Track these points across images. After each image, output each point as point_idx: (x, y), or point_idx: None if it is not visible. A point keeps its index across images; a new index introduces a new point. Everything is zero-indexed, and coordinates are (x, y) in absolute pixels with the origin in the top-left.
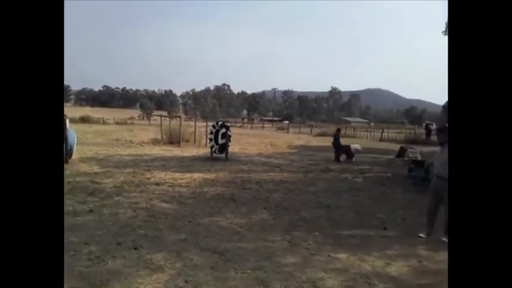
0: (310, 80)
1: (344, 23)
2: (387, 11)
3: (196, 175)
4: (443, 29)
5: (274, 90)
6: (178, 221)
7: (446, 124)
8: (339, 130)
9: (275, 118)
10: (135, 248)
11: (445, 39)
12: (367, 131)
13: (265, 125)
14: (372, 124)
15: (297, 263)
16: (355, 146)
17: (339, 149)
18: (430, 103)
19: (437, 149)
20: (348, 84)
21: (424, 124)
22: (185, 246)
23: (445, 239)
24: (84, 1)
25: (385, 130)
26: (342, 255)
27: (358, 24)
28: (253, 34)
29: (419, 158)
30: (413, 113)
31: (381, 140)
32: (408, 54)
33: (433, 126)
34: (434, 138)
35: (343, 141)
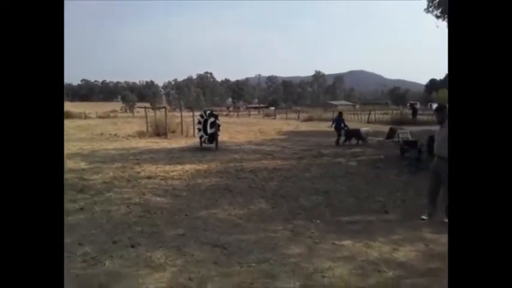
0: (294, 64)
1: (326, 7)
2: None
3: (187, 167)
4: (425, 7)
5: (258, 77)
6: (174, 215)
7: (446, 105)
8: (341, 114)
9: (261, 105)
10: (133, 246)
11: (426, 19)
12: (354, 114)
13: (251, 113)
14: (357, 106)
15: (302, 253)
16: (364, 129)
17: (347, 133)
18: (412, 82)
19: (425, 128)
20: (331, 67)
21: (408, 104)
22: (185, 242)
23: (447, 220)
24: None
25: (372, 112)
26: (347, 243)
27: (339, 8)
28: (233, 21)
29: (410, 138)
30: (396, 93)
31: (368, 121)
32: (390, 35)
33: (417, 106)
34: (420, 117)
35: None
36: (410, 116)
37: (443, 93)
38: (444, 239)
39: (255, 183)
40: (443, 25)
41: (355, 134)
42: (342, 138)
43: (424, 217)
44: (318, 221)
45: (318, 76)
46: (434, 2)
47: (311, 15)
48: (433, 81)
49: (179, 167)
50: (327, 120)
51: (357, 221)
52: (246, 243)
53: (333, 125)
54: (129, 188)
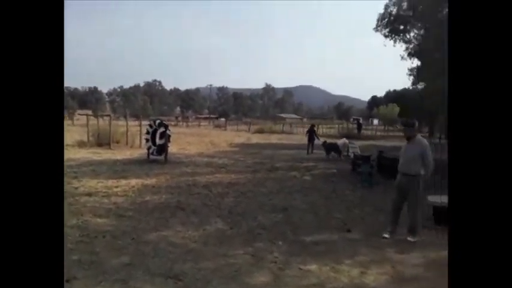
0: (245, 77)
1: (276, 22)
2: (318, 11)
3: (133, 181)
4: (374, 26)
5: (210, 87)
6: (118, 239)
7: (414, 120)
8: (313, 126)
9: (211, 115)
10: (67, 281)
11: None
12: (302, 127)
13: (201, 123)
14: (305, 120)
15: (267, 282)
16: (341, 141)
17: (327, 147)
18: (355, 99)
19: (371, 143)
20: (281, 81)
21: (351, 119)
22: (131, 273)
23: (411, 239)
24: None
25: (320, 126)
26: (313, 267)
27: (289, 23)
28: (186, 30)
29: (359, 152)
30: (341, 108)
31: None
32: (338, 53)
33: (361, 121)
34: (364, 132)
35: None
36: (355, 131)
37: (384, 109)
38: (410, 259)
39: (209, 200)
40: (390, 44)
41: (333, 147)
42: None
43: (386, 235)
44: (280, 243)
45: (268, 89)
46: (383, 21)
47: (265, 27)
48: (374, 98)
49: (124, 181)
50: (277, 132)
51: (319, 241)
52: (203, 273)
53: (307, 135)
54: (64, 207)
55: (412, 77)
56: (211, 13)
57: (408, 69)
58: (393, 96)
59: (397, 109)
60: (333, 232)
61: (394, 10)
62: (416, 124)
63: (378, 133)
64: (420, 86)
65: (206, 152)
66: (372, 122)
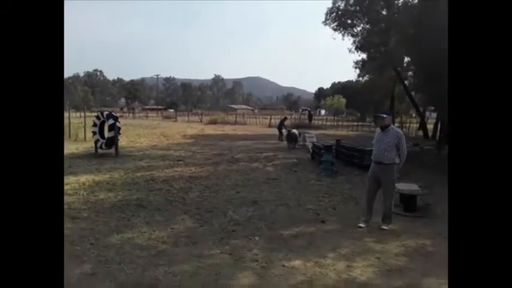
0: (193, 67)
1: (223, 13)
2: (266, 3)
3: (83, 178)
4: (323, 20)
5: (157, 77)
6: (75, 244)
7: (384, 113)
8: (285, 118)
9: (159, 107)
10: None
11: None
12: (254, 118)
13: (149, 114)
14: (256, 111)
15: (254, 285)
16: (293, 131)
17: (289, 136)
18: (303, 90)
19: (322, 132)
20: (230, 72)
21: (300, 110)
22: (95, 284)
23: (385, 227)
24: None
25: (272, 116)
26: (297, 263)
27: (237, 15)
28: (129, 19)
29: (316, 141)
30: (290, 99)
31: (269, 126)
32: (285, 45)
33: (312, 112)
34: (315, 122)
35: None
36: (306, 121)
37: (330, 100)
38: (391, 248)
39: (172, 196)
40: (338, 37)
41: (295, 137)
42: (287, 142)
43: (361, 225)
44: (257, 238)
45: (218, 80)
46: (332, 15)
47: (211, 17)
48: (321, 90)
49: (72, 178)
50: (231, 123)
51: (297, 234)
52: (180, 278)
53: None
54: None
55: (357, 70)
56: (156, 2)
57: (354, 62)
58: (338, 88)
59: (342, 100)
60: (309, 224)
61: (342, 5)
62: (390, 114)
63: (328, 123)
64: (365, 78)
65: (159, 144)
66: (320, 112)
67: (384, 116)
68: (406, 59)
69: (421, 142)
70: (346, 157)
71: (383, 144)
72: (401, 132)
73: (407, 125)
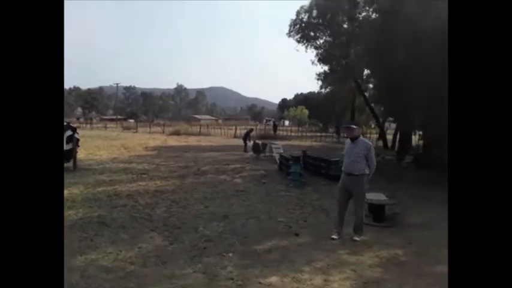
0: (155, 77)
1: (185, 22)
2: (228, 12)
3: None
4: (287, 31)
5: (116, 86)
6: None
7: (353, 124)
8: (251, 130)
9: (118, 117)
10: None
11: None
12: (220, 128)
13: (107, 125)
14: (220, 121)
15: None
16: (258, 142)
17: (255, 147)
18: (266, 101)
19: (287, 143)
20: (193, 82)
21: (265, 120)
22: None
23: (357, 238)
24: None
25: (238, 127)
26: (274, 279)
27: (199, 24)
28: (88, 27)
29: (282, 152)
30: (254, 110)
31: (235, 136)
32: (249, 56)
33: (277, 122)
34: (280, 133)
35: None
36: (271, 131)
37: (294, 111)
38: (365, 260)
39: (137, 212)
40: (302, 49)
41: (258, 147)
42: (253, 153)
43: (334, 237)
44: (230, 255)
45: (180, 89)
46: (295, 27)
47: (172, 24)
48: (284, 101)
49: None
50: (194, 134)
51: (270, 248)
52: None
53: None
54: None
55: (320, 81)
56: (114, 9)
57: (316, 73)
58: (301, 99)
59: (305, 111)
60: (282, 237)
61: (305, 17)
62: (358, 125)
63: (293, 134)
64: (326, 89)
65: (120, 157)
66: (284, 123)
67: (354, 127)
68: (366, 72)
69: (382, 152)
70: (313, 167)
71: (353, 156)
72: (371, 144)
73: (368, 135)
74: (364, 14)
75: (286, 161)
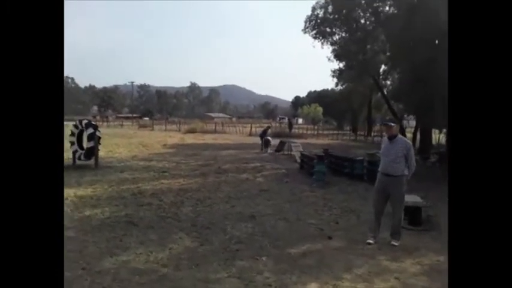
0: (169, 75)
1: (198, 21)
2: (243, 10)
3: (65, 192)
4: (302, 28)
5: (131, 84)
6: (64, 269)
7: (391, 121)
8: (268, 127)
9: (134, 115)
10: None
11: (296, 39)
12: (235, 126)
13: (124, 123)
14: (234, 119)
15: None
16: (267, 138)
17: (265, 141)
18: (278, 99)
19: (305, 141)
20: (205, 80)
21: (278, 118)
22: None
23: (395, 243)
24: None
25: (253, 125)
26: (314, 286)
27: (212, 22)
28: (102, 26)
29: (302, 150)
30: (267, 108)
31: (250, 134)
32: (261, 53)
33: (292, 120)
34: (295, 131)
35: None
36: (286, 129)
37: (307, 109)
38: (407, 267)
39: (164, 211)
40: (318, 45)
41: (268, 142)
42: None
43: (370, 241)
44: (264, 258)
45: (194, 87)
46: (311, 23)
47: (186, 23)
48: (297, 98)
49: None
50: (210, 132)
51: (305, 252)
52: None
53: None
54: None
55: (335, 78)
56: (127, 9)
57: (331, 70)
58: (314, 97)
59: (319, 109)
60: (314, 240)
61: (320, 13)
62: (395, 125)
63: (309, 132)
64: (341, 86)
65: (140, 154)
66: (297, 121)
67: (392, 124)
68: (383, 68)
69: None
70: (336, 166)
71: (391, 155)
72: (410, 143)
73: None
74: (385, 8)
75: (308, 159)
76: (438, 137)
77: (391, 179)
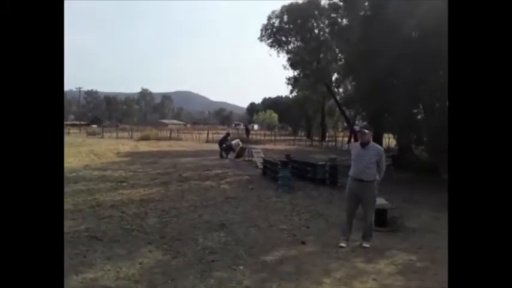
0: (118, 81)
1: (149, 24)
2: (195, 16)
3: None
4: (259, 36)
5: (79, 90)
6: None
7: (364, 129)
8: (228, 134)
9: (81, 122)
10: None
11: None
12: (190, 133)
13: (70, 130)
14: (189, 125)
15: None
16: (234, 141)
17: (226, 148)
18: (234, 105)
19: (260, 147)
20: (158, 86)
21: (233, 124)
22: None
23: (366, 245)
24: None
25: (209, 132)
26: None
27: (164, 26)
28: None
29: (263, 156)
30: (222, 114)
31: (207, 141)
32: (217, 59)
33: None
34: (252, 137)
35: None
36: (244, 136)
37: (263, 115)
38: (380, 267)
39: (128, 223)
40: (274, 53)
41: (230, 147)
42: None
43: (343, 244)
44: (241, 267)
45: (145, 93)
46: (267, 31)
47: (134, 24)
48: (253, 105)
49: None
50: (164, 139)
51: (281, 258)
52: None
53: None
54: None
55: (290, 86)
56: (75, 11)
57: (286, 78)
58: (269, 103)
59: (274, 115)
60: (289, 246)
61: (276, 22)
62: (369, 131)
63: (267, 137)
64: (295, 94)
65: (92, 164)
66: (253, 127)
67: (366, 131)
68: (335, 76)
69: None
70: (299, 172)
71: (364, 161)
72: (382, 149)
73: (340, 138)
74: (339, 19)
75: (271, 165)
76: (388, 141)
77: (364, 184)
